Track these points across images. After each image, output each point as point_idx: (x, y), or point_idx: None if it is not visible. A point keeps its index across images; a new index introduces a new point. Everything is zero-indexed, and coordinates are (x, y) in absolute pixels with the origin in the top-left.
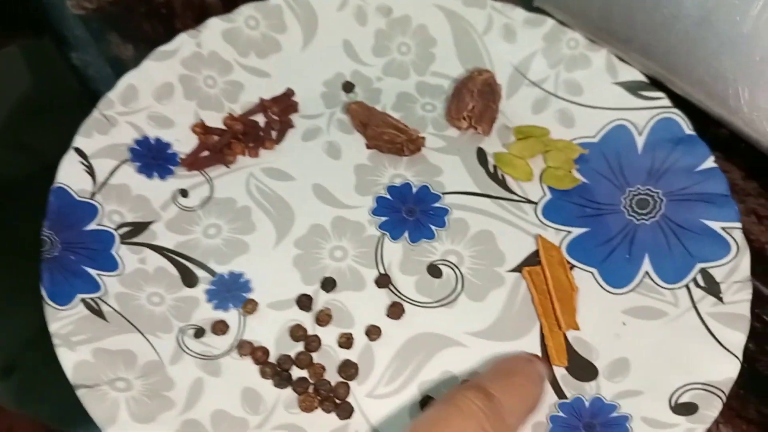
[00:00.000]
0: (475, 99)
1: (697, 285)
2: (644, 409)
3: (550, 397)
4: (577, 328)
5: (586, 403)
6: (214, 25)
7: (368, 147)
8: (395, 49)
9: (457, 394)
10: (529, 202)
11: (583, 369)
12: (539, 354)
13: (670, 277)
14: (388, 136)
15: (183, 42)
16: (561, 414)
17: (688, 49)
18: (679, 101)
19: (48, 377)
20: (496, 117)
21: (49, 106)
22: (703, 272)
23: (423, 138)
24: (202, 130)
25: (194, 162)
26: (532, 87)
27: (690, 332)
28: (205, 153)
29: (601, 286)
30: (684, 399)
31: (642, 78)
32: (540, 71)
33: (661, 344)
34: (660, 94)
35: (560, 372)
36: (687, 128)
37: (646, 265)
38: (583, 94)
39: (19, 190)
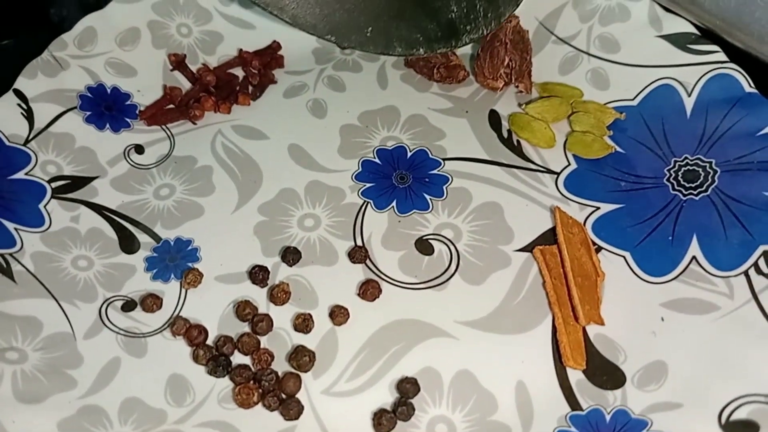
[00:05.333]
0: (509, 52)
1: (759, 272)
2: (685, 427)
3: (560, 407)
4: (601, 323)
5: (607, 417)
6: None
7: (405, 64)
8: None
9: None
10: (549, 172)
11: (605, 373)
12: (550, 355)
13: (724, 263)
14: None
15: None
16: (572, 429)
17: None
18: (738, 55)
19: None
20: (531, 69)
21: None
22: (767, 256)
23: (464, 71)
24: (175, 59)
25: (155, 115)
26: (560, 44)
27: (748, 330)
28: (170, 106)
29: (634, 272)
30: (738, 415)
31: (692, 29)
32: (569, 26)
33: (710, 345)
34: (714, 47)
35: (575, 376)
36: (748, 85)
37: (694, 249)
38: (621, 51)
39: None
